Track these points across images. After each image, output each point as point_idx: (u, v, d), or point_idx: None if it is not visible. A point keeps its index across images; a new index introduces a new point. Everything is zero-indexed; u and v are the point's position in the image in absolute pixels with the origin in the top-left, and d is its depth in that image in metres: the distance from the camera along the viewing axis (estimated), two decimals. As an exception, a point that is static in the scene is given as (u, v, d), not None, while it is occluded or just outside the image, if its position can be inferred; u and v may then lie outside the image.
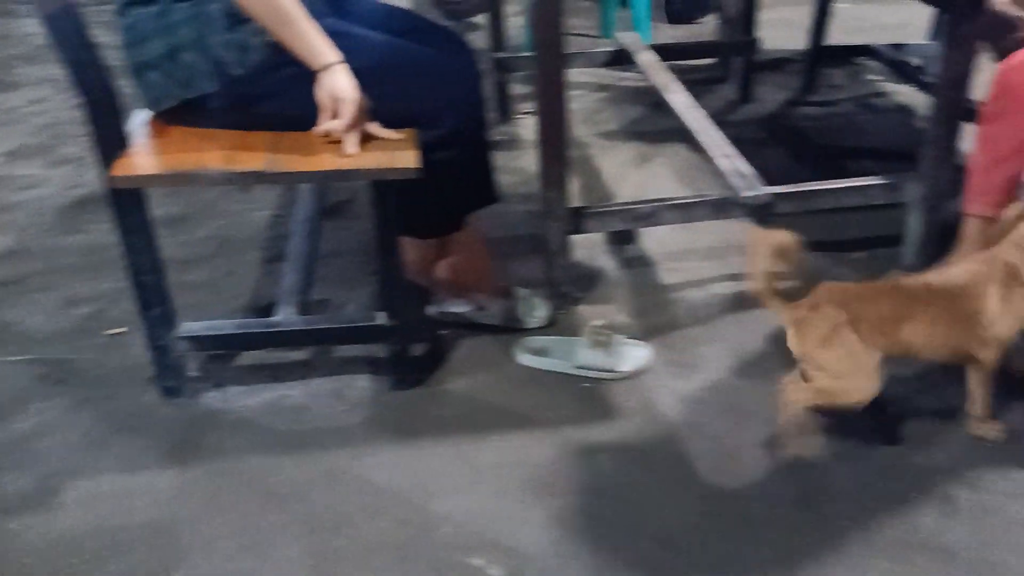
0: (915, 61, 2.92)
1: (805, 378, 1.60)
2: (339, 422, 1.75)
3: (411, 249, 1.85)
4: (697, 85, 3.28)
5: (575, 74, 3.25)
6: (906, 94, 3.13)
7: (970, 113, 1.98)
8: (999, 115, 1.85)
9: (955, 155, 2.01)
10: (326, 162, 1.56)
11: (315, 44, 1.54)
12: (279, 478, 1.62)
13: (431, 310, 1.98)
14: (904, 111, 3.07)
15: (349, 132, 1.55)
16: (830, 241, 2.28)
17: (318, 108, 1.57)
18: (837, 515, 1.50)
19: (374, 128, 1.60)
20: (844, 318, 1.51)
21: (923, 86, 2.79)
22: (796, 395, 1.59)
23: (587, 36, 3.72)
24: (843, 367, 1.53)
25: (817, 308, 1.54)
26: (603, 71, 3.27)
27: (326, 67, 1.54)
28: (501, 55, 2.89)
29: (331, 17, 1.70)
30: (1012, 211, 1.62)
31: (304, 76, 1.55)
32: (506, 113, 2.97)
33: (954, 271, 1.63)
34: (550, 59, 1.79)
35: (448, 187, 1.78)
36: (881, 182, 2.11)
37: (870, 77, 3.31)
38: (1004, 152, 1.87)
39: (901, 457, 1.62)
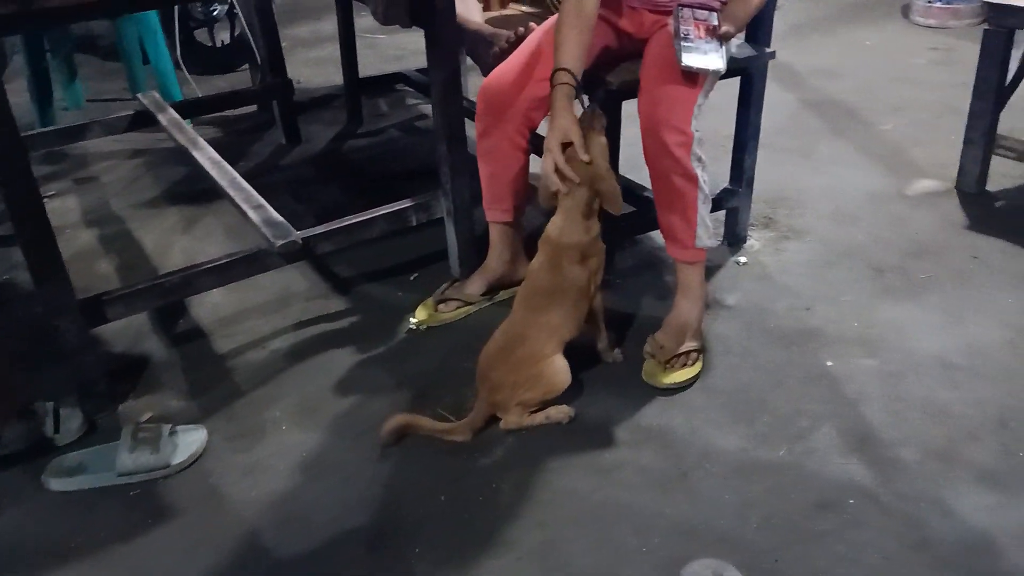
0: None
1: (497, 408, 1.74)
2: None
3: None
4: (245, 134, 3.20)
5: (102, 143, 2.97)
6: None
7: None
8: (488, 130, 1.99)
9: (468, 168, 2.13)
10: None
11: None
12: None
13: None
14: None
15: None
16: (386, 268, 2.31)
17: None
18: (409, 545, 1.49)
19: None
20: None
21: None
22: (513, 420, 1.72)
23: (118, 100, 3.43)
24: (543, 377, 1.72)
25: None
26: (139, 135, 3.02)
27: None
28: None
29: None
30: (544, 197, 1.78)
31: None
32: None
33: (540, 276, 1.77)
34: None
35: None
36: (413, 203, 2.18)
37: (411, 101, 3.46)
38: (502, 163, 2.02)
39: (465, 462, 1.66)
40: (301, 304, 2.19)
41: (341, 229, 2.09)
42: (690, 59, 1.73)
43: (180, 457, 1.67)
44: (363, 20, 4.52)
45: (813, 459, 1.64)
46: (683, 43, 1.74)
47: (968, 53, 3.71)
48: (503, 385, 1.70)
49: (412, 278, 2.28)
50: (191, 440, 1.71)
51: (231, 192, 2.19)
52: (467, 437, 1.72)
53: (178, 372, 1.95)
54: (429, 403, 1.81)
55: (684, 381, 1.84)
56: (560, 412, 1.75)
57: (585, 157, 1.70)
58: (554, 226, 1.78)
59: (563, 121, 1.70)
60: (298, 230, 2.03)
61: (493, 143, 1.99)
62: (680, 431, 1.72)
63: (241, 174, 2.23)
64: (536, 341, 1.71)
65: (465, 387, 1.83)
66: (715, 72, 1.76)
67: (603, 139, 1.76)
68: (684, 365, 1.86)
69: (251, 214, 2.08)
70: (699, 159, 1.79)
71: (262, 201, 2.12)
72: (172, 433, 1.70)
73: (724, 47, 1.78)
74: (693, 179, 1.80)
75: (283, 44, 4.22)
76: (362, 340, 2.04)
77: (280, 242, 1.96)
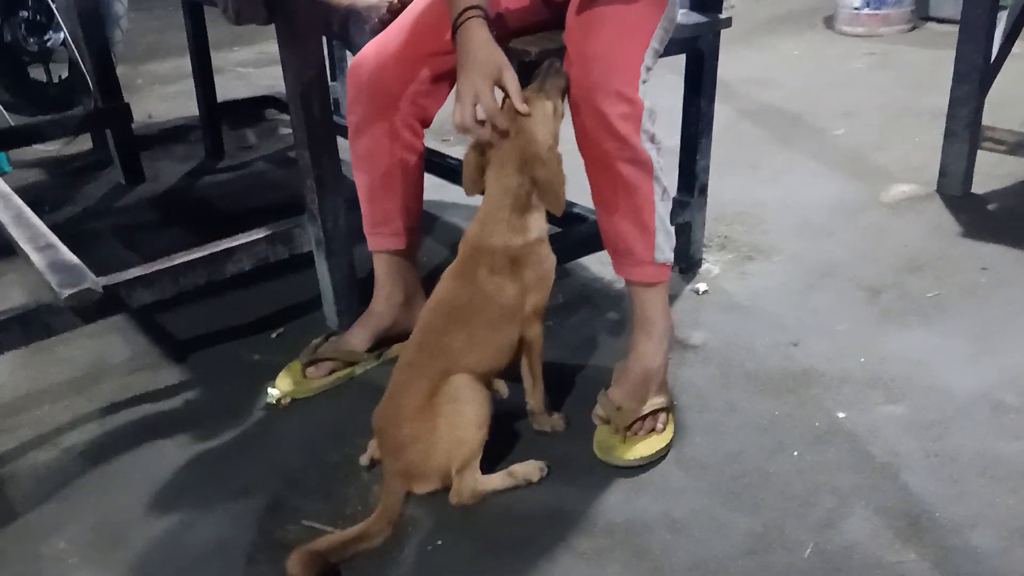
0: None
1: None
2: None
3: None
4: (76, 175, 2.60)
5: None
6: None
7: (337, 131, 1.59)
8: (365, 123, 1.46)
9: (346, 185, 1.59)
10: None
11: None
12: None
13: None
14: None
15: None
16: (240, 324, 1.73)
17: None
18: None
19: None
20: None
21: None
22: (467, 489, 1.22)
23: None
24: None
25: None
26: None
27: None
28: None
29: None
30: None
31: None
32: None
33: (447, 285, 1.28)
34: None
35: None
36: (270, 233, 1.63)
37: (285, 131, 2.90)
38: (385, 168, 1.49)
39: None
40: (118, 380, 1.59)
41: (166, 271, 1.52)
42: None
43: None
44: (234, 54, 4.00)
45: (854, 560, 1.12)
46: None
47: (909, 56, 3.43)
48: (411, 441, 1.19)
49: (275, 335, 1.71)
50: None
51: (12, 231, 1.59)
52: (387, 532, 1.18)
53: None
54: (287, 514, 1.24)
55: (654, 454, 1.31)
56: (530, 469, 1.27)
57: (524, 108, 1.21)
58: (475, 222, 1.28)
59: (491, 55, 1.22)
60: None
61: (372, 142, 1.47)
62: (657, 529, 1.19)
63: (62, 220, 1.63)
64: (429, 369, 1.20)
65: (341, 485, 1.27)
66: None
67: (551, 106, 1.25)
68: (651, 431, 1.34)
69: (34, 257, 1.49)
70: (652, 138, 1.31)
71: (53, 240, 1.53)
72: None
73: None
74: (646, 165, 1.30)
75: (138, 80, 3.68)
76: (197, 427, 1.45)
77: (68, 291, 1.37)
